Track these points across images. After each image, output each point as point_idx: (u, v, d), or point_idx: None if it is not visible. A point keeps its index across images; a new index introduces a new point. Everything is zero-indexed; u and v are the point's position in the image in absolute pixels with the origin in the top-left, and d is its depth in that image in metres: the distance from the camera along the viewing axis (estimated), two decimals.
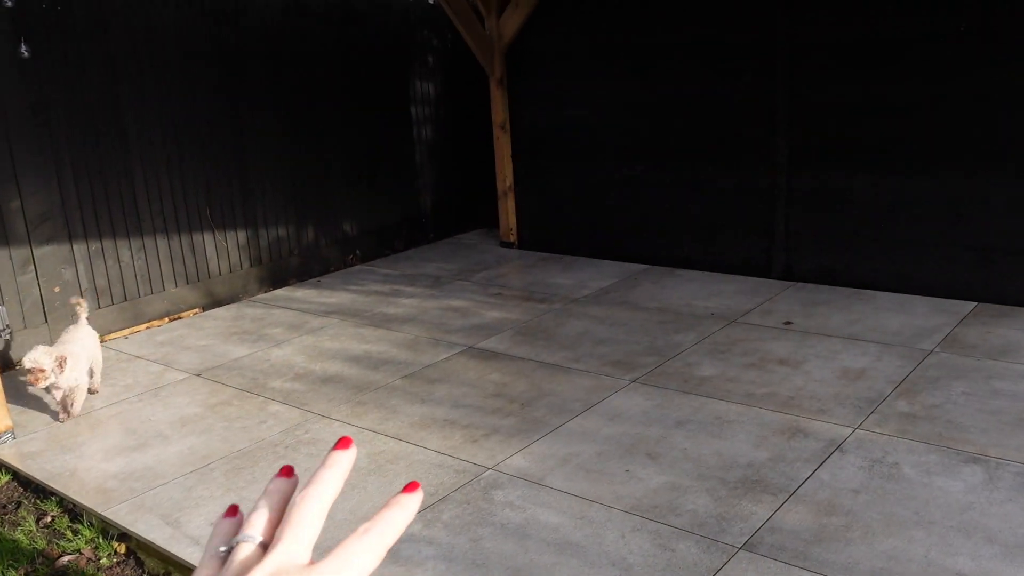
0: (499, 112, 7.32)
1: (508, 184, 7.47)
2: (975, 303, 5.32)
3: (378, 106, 7.42)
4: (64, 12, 5.24)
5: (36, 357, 4.09)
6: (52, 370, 4.11)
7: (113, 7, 5.48)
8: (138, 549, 3.33)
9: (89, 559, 3.31)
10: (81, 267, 5.51)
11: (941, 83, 5.22)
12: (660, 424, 3.96)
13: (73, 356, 4.24)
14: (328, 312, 6.03)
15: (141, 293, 5.88)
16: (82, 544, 3.38)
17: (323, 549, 0.51)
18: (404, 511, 0.56)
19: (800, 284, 5.97)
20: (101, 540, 3.39)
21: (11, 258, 5.14)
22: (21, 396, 4.67)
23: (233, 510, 0.59)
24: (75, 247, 5.47)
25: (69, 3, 5.26)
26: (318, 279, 6.99)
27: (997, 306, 5.25)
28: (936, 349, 4.64)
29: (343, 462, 0.57)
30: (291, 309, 6.16)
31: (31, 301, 5.27)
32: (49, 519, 3.61)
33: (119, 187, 5.64)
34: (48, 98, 5.22)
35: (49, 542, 3.44)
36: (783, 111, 5.82)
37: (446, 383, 4.61)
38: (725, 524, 3.13)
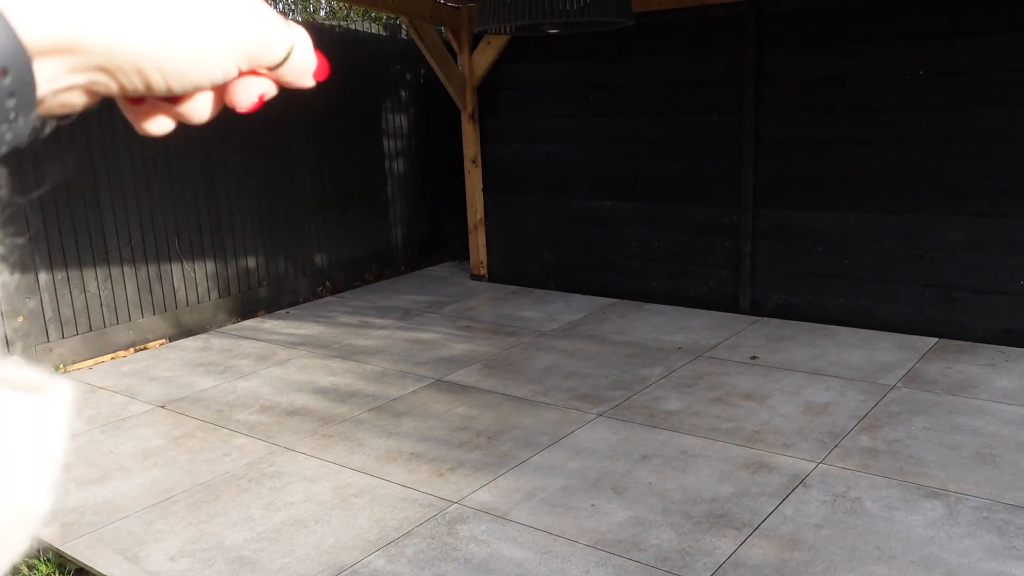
0: (470, 146, 7.38)
1: (479, 217, 7.51)
2: (936, 339, 5.42)
3: (350, 139, 7.45)
4: None
5: None
6: None
7: None
8: None
9: None
10: (46, 296, 5.45)
11: (905, 123, 5.35)
12: (626, 458, 3.97)
13: None
14: (296, 344, 6.00)
15: (107, 323, 5.82)
16: None
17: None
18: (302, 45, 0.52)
19: (766, 319, 6.05)
20: (58, 575, 3.33)
21: None
22: None
23: None
24: (40, 276, 5.41)
25: None
26: (287, 310, 6.95)
27: (958, 342, 5.34)
28: (898, 384, 4.71)
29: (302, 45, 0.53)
30: (259, 340, 6.12)
31: None
32: None
33: (86, 216, 5.61)
34: None
35: None
36: (749, 148, 5.93)
37: (413, 416, 4.60)
38: (689, 559, 3.14)
